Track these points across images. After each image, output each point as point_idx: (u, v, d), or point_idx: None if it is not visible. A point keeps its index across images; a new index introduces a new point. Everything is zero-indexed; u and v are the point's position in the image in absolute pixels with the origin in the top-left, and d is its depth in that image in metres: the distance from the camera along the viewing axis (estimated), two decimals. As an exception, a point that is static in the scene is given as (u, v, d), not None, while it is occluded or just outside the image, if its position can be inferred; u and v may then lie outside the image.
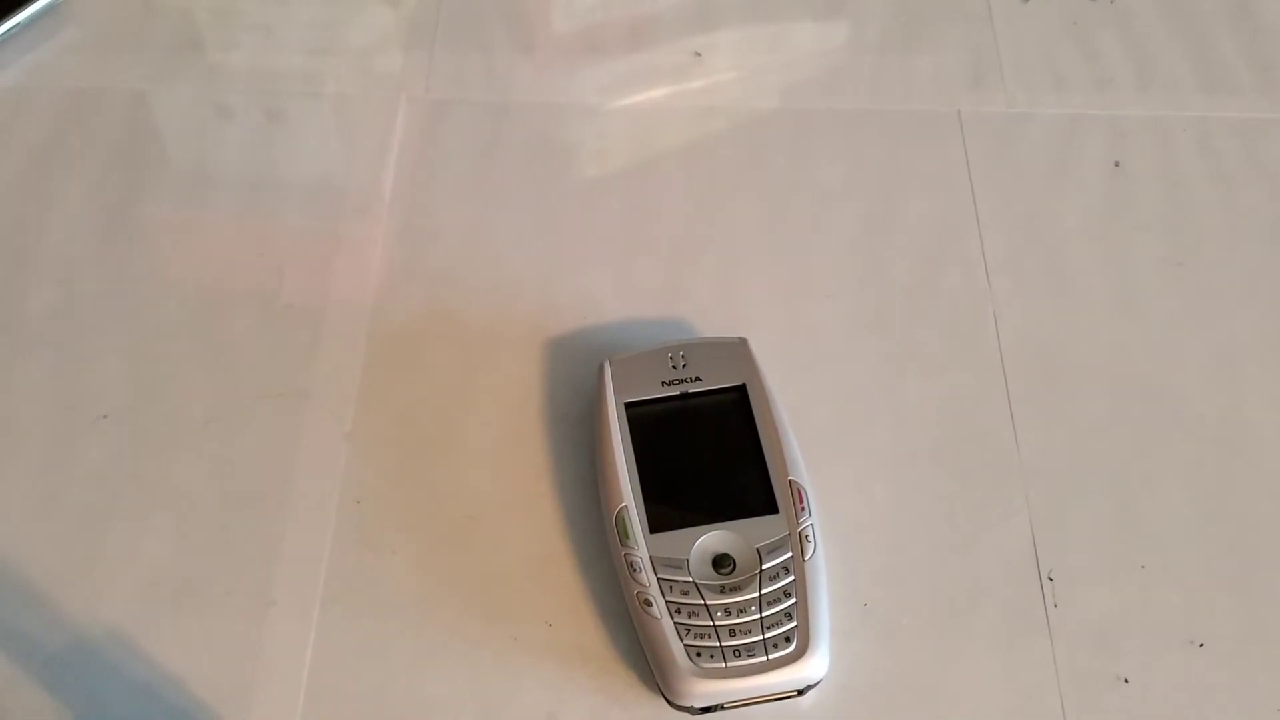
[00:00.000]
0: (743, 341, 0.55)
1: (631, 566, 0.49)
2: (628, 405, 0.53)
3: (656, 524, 0.50)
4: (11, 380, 0.58)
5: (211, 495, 0.55)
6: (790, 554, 0.49)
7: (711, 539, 0.49)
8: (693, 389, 0.53)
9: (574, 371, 0.58)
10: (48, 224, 0.63)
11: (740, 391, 0.53)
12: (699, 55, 0.71)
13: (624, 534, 0.49)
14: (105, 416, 0.57)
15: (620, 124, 0.68)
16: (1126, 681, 0.51)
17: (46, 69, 0.69)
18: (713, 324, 0.60)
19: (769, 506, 0.50)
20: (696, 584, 0.48)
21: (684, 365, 0.54)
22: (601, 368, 0.54)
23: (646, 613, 0.48)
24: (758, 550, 0.49)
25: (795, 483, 0.51)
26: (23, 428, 0.57)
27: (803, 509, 0.50)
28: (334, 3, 0.73)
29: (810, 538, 0.49)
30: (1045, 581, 0.53)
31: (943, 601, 0.53)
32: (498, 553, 0.54)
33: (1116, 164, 0.66)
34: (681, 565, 0.49)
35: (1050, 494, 0.56)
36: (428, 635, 0.52)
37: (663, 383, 0.53)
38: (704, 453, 0.52)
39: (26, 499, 0.55)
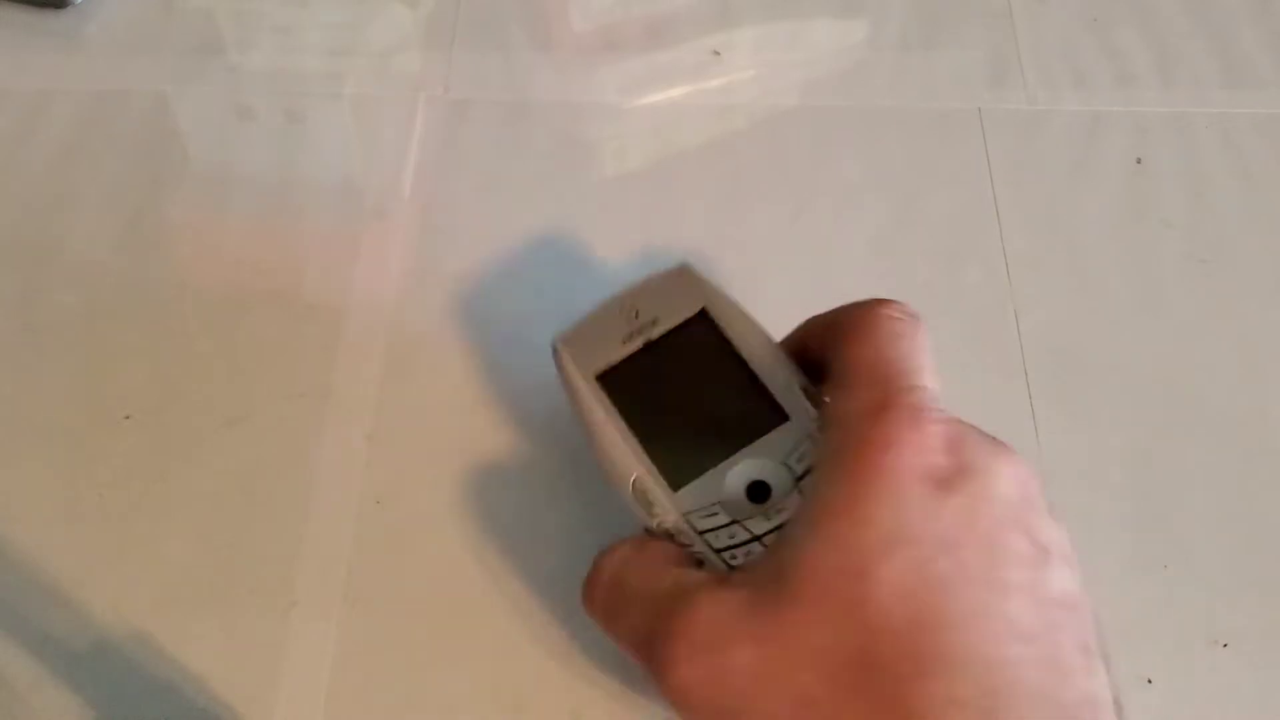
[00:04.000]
0: (685, 267, 0.50)
1: (668, 534, 0.45)
2: (598, 377, 0.48)
3: (676, 480, 0.45)
4: (34, 382, 0.59)
5: (233, 495, 0.55)
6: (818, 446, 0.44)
7: (737, 473, 0.45)
8: (655, 334, 0.48)
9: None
10: (69, 226, 0.64)
11: (704, 317, 0.48)
12: (718, 54, 0.70)
13: (647, 504, 0.45)
14: (128, 418, 0.58)
15: (639, 123, 0.68)
16: (1150, 682, 0.51)
17: (67, 71, 0.70)
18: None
19: (778, 415, 0.46)
20: (741, 523, 0.44)
21: (636, 314, 0.49)
22: (555, 351, 0.49)
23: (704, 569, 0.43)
24: (786, 464, 0.44)
25: (793, 382, 0.46)
26: (46, 429, 0.57)
27: (806, 406, 0.45)
28: (353, 3, 0.73)
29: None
30: (1067, 581, 0.53)
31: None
32: (520, 552, 0.54)
33: (1138, 161, 0.66)
34: (717, 510, 0.44)
35: (1071, 492, 0.55)
36: (450, 634, 0.52)
37: (623, 340, 0.48)
38: (693, 391, 0.48)
39: (50, 500, 0.55)
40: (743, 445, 0.45)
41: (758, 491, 0.44)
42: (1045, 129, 0.67)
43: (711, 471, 0.45)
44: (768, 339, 0.47)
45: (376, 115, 0.68)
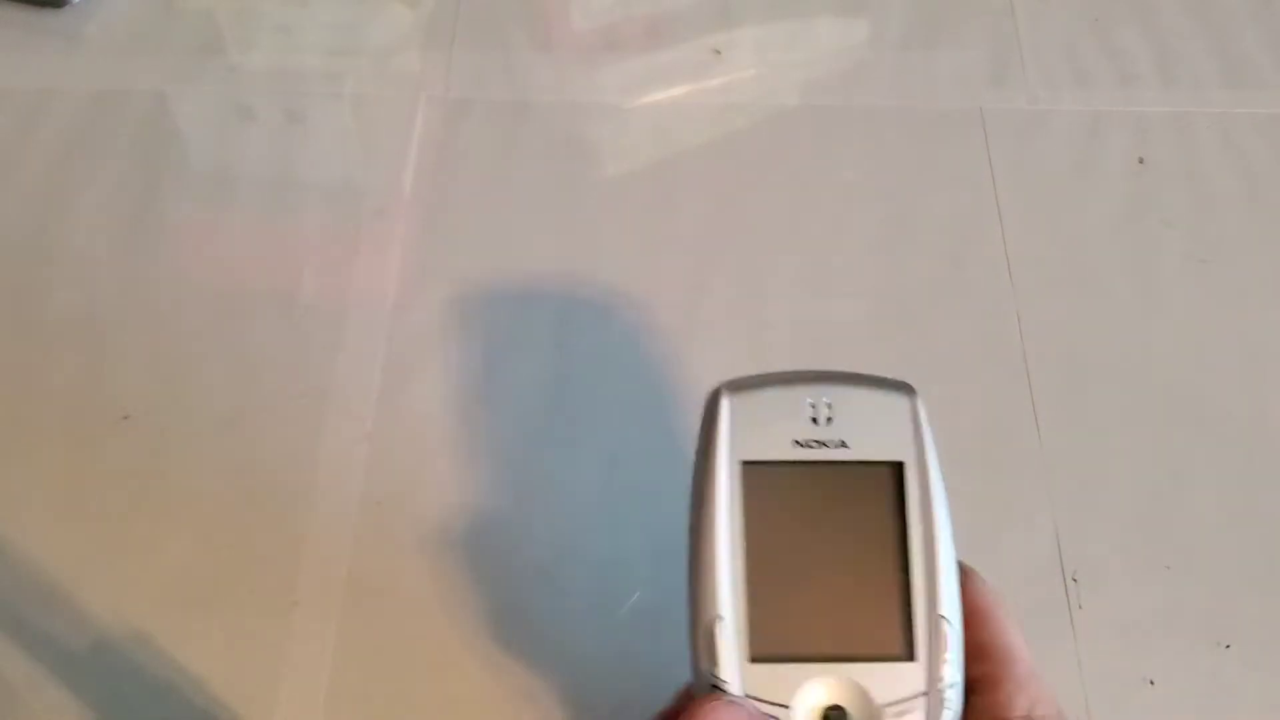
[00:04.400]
0: (910, 394, 0.39)
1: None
2: (746, 465, 0.38)
3: (760, 650, 0.36)
4: (34, 382, 0.59)
5: (233, 495, 0.55)
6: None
7: (824, 683, 0.36)
8: (834, 458, 0.38)
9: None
10: (69, 225, 0.64)
11: (896, 472, 0.38)
12: (719, 53, 0.70)
13: (712, 656, 0.36)
14: (127, 417, 0.57)
15: (640, 122, 0.68)
16: (1152, 683, 0.51)
17: (68, 71, 0.70)
18: (732, 322, 0.60)
19: (906, 650, 0.36)
20: None
21: (828, 421, 0.38)
22: (715, 401, 0.39)
23: None
24: (882, 709, 0.36)
25: (945, 621, 0.37)
26: (45, 429, 0.57)
27: (946, 659, 0.36)
28: (353, 3, 0.73)
29: (951, 704, 0.36)
30: (1070, 582, 0.53)
31: None
32: (520, 553, 0.54)
33: (1140, 160, 0.66)
34: (781, 713, 0.36)
35: (1074, 493, 0.55)
36: (449, 634, 0.52)
37: (795, 441, 0.38)
38: (837, 555, 0.38)
39: (49, 500, 0.55)
40: (849, 657, 0.37)
41: (837, 718, 0.37)
42: (1047, 128, 0.67)
43: (800, 665, 0.37)
44: (949, 547, 0.38)
45: (376, 115, 0.68)
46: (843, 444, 0.38)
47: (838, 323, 0.60)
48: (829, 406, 0.38)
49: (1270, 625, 0.52)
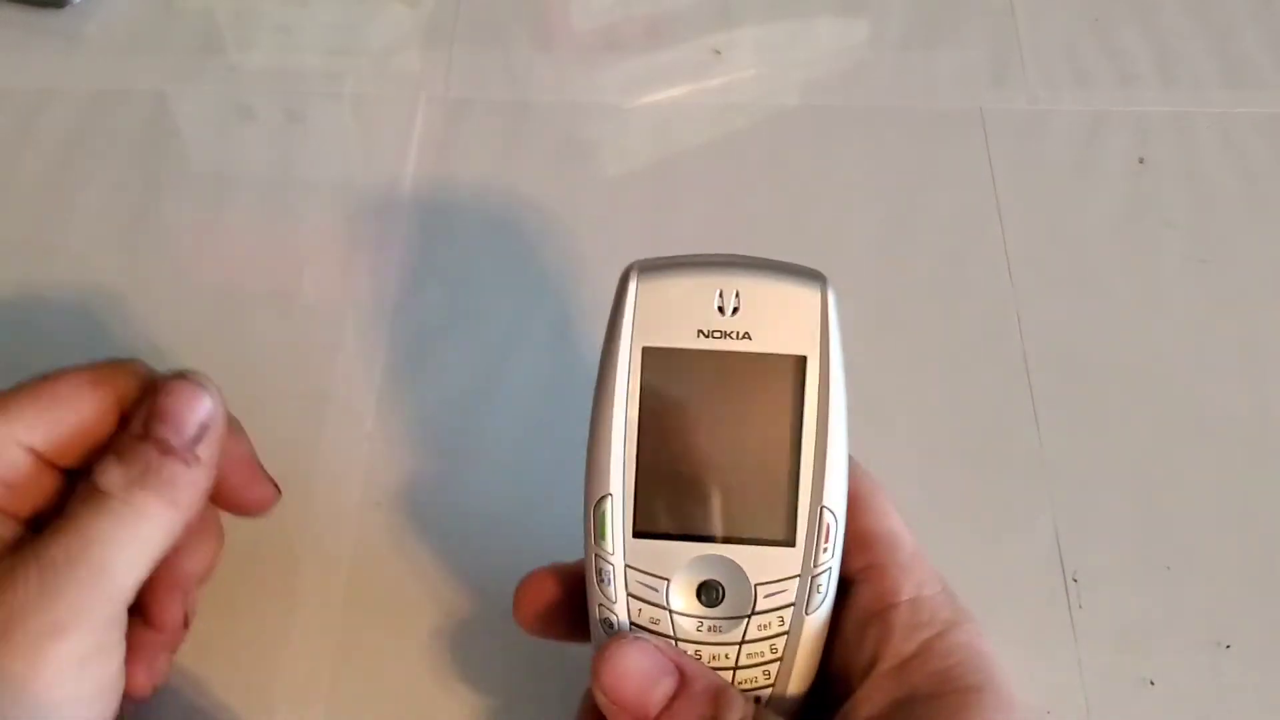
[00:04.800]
0: (820, 285, 0.39)
1: (600, 575, 0.39)
2: (648, 352, 0.39)
3: (643, 527, 0.39)
4: (34, 381, 0.58)
5: (233, 496, 0.55)
6: (793, 603, 0.38)
7: (704, 561, 0.39)
8: (738, 348, 0.38)
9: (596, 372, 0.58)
10: (68, 225, 0.64)
11: (798, 366, 0.38)
12: (719, 53, 0.70)
13: (600, 531, 0.39)
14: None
15: (640, 122, 0.68)
16: (1152, 684, 0.51)
17: (67, 71, 0.70)
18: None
19: (787, 535, 0.38)
20: (671, 614, 0.39)
21: (735, 311, 0.38)
22: (625, 280, 0.39)
23: (605, 634, 0.39)
24: (756, 587, 0.38)
25: (828, 511, 0.38)
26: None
27: (826, 548, 0.38)
28: (353, 3, 0.73)
29: (822, 588, 0.38)
30: (1070, 583, 0.53)
31: (964, 603, 0.53)
32: (521, 554, 0.54)
33: (1140, 160, 0.66)
34: (659, 586, 0.39)
35: (1074, 493, 0.55)
36: (451, 637, 0.52)
37: (700, 331, 0.38)
38: (728, 444, 0.39)
39: (49, 500, 0.55)
40: (731, 539, 0.39)
41: (710, 593, 0.39)
42: (1047, 128, 0.67)
43: (683, 543, 0.39)
44: (842, 441, 0.39)
45: (376, 115, 0.68)
46: (747, 335, 0.38)
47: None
48: (737, 296, 0.38)
49: (1271, 625, 0.52)
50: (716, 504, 0.39)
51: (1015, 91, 0.68)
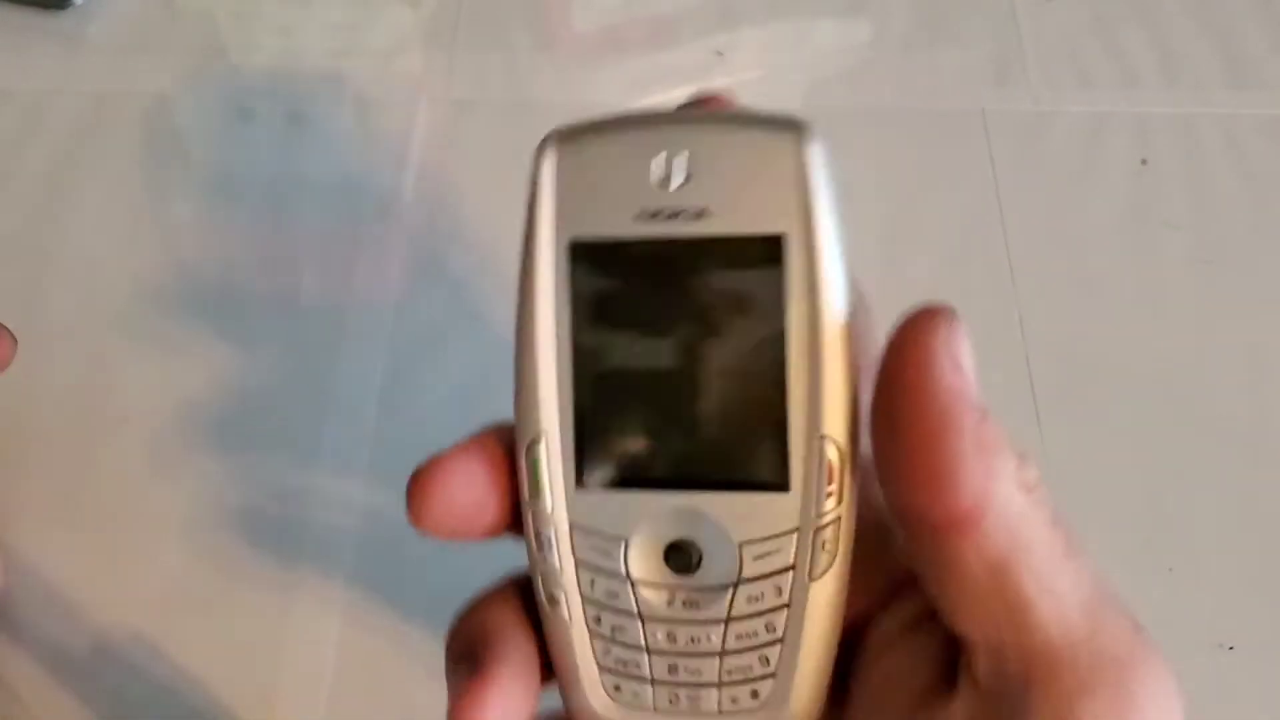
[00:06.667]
0: (798, 135, 0.27)
1: (539, 538, 0.30)
2: (575, 248, 0.30)
3: (588, 475, 0.29)
4: (33, 384, 0.58)
5: (232, 497, 0.55)
6: (792, 565, 0.28)
7: (672, 515, 0.29)
8: (692, 231, 0.28)
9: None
10: (70, 226, 0.64)
11: (775, 250, 0.27)
12: (721, 54, 0.70)
13: (534, 484, 0.29)
14: (126, 420, 0.57)
15: (641, 124, 0.68)
16: (1154, 685, 0.51)
17: (69, 72, 0.70)
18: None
19: (777, 477, 0.28)
20: (633, 582, 0.29)
21: (685, 181, 0.28)
22: (540, 155, 0.31)
23: (552, 612, 0.30)
24: (741, 547, 0.28)
25: (830, 442, 0.28)
26: (44, 431, 0.57)
27: (830, 491, 0.27)
28: (354, 4, 0.73)
29: (830, 545, 0.28)
30: (1072, 584, 0.53)
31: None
32: (522, 553, 0.54)
33: (1143, 162, 0.66)
34: (614, 549, 0.29)
35: (1076, 495, 0.55)
36: (449, 637, 0.52)
37: (639, 213, 0.28)
38: (692, 356, 0.28)
39: (49, 502, 0.55)
40: (705, 484, 0.29)
41: (682, 555, 0.29)
42: (1049, 130, 0.67)
43: (641, 493, 0.29)
44: (842, 355, 0.28)
45: (378, 116, 0.68)
46: (703, 212, 0.28)
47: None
48: (686, 161, 0.28)
49: (1274, 627, 0.52)
50: (681, 439, 0.29)
51: (1018, 92, 0.68)
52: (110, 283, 0.62)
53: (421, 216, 0.64)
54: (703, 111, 0.30)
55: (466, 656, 0.30)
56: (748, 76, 0.69)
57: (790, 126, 0.27)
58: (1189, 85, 0.68)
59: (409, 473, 0.57)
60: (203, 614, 0.53)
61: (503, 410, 0.60)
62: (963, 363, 0.26)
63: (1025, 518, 0.28)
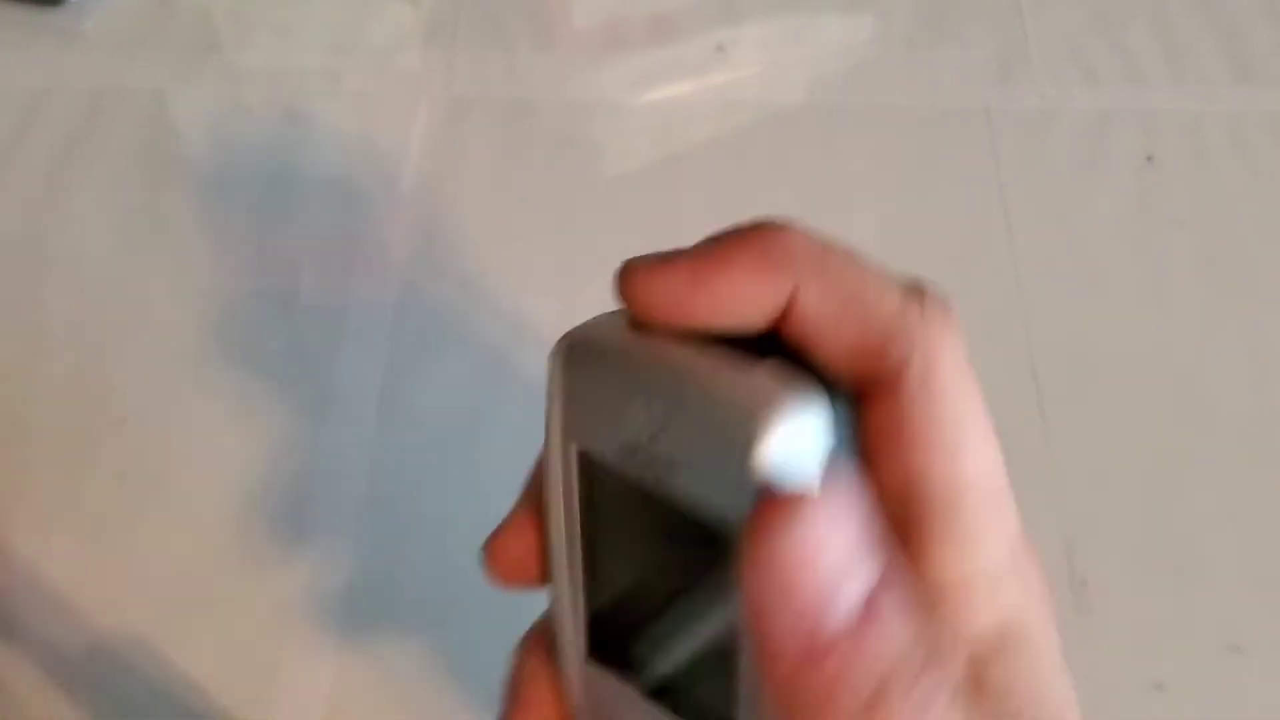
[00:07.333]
0: (756, 423, 0.23)
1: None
2: (584, 456, 0.28)
3: (602, 649, 0.28)
4: (30, 383, 0.58)
5: (232, 498, 0.55)
6: None
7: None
8: (661, 485, 0.25)
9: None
10: (67, 224, 0.63)
11: (723, 532, 0.23)
12: (722, 50, 0.70)
13: (559, 651, 0.30)
14: (124, 420, 0.57)
15: (643, 120, 0.68)
16: (1162, 687, 0.50)
17: (66, 69, 0.69)
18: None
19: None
20: None
21: (656, 435, 0.25)
22: (553, 358, 0.27)
23: None
24: None
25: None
26: (42, 431, 0.57)
27: None
28: (353, 1, 0.72)
29: None
30: (1078, 586, 0.52)
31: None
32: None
33: (1149, 159, 0.65)
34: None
35: (1083, 497, 0.55)
36: (452, 641, 0.52)
37: (624, 446, 0.26)
38: (674, 596, 0.27)
39: (46, 502, 0.55)
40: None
41: None
42: (1054, 127, 0.66)
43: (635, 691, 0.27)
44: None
45: (377, 113, 0.68)
46: (672, 465, 0.25)
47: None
48: (661, 420, 0.25)
49: (1282, 629, 0.52)
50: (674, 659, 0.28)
51: (1022, 89, 0.68)
52: (107, 281, 0.61)
53: (421, 215, 0.64)
54: (704, 350, 0.25)
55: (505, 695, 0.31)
56: (749, 73, 0.69)
57: (747, 410, 0.24)
58: (1195, 82, 0.68)
59: (409, 472, 0.57)
60: (202, 617, 0.52)
61: (502, 409, 0.60)
62: (825, 560, 0.22)
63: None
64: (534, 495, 0.30)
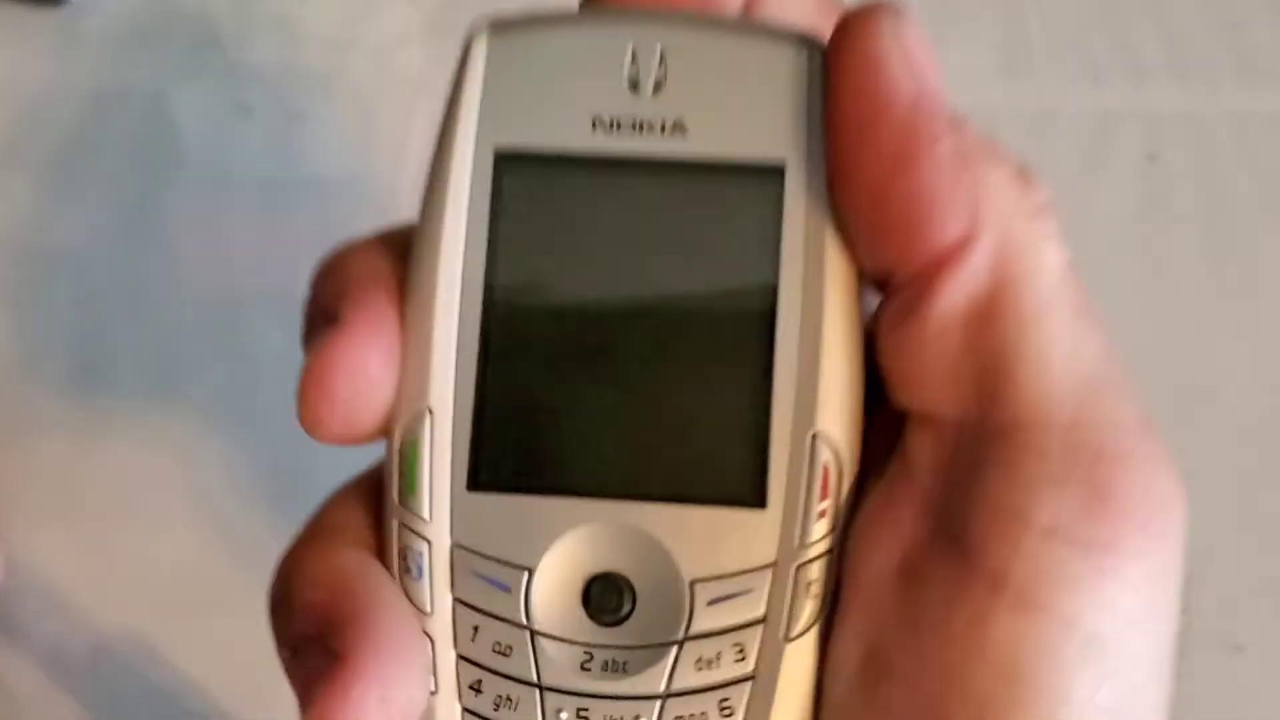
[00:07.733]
0: (805, 48, 0.21)
1: (405, 559, 0.21)
2: (503, 160, 0.22)
3: (488, 473, 0.21)
4: (30, 381, 0.58)
5: (232, 497, 0.55)
6: (762, 617, 0.20)
7: (597, 535, 0.20)
8: (661, 151, 0.21)
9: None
10: (68, 223, 0.63)
11: (769, 181, 0.21)
12: (723, 49, 0.70)
13: (408, 479, 0.22)
14: (126, 420, 0.57)
15: (643, 119, 0.68)
16: (1164, 688, 0.50)
17: (64, 68, 0.69)
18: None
19: (750, 488, 0.20)
20: (534, 632, 0.20)
21: (658, 86, 0.21)
22: (467, 51, 0.24)
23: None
24: (691, 587, 0.20)
25: (824, 443, 0.20)
26: (42, 429, 0.57)
27: (823, 512, 0.20)
28: (353, 1, 0.72)
29: (819, 586, 0.20)
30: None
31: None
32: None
33: (1151, 158, 0.65)
34: (512, 582, 0.20)
35: (1084, 495, 0.55)
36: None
37: (594, 121, 0.21)
38: (643, 320, 0.21)
39: (46, 501, 0.55)
40: (648, 497, 0.20)
41: (607, 596, 0.20)
42: (1056, 125, 0.66)
43: (558, 504, 0.21)
44: (848, 330, 0.21)
45: (377, 112, 0.68)
46: (678, 127, 0.21)
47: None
48: (661, 59, 0.21)
49: (1284, 629, 0.52)
50: (620, 429, 0.21)
51: (1024, 87, 0.68)
52: (107, 280, 0.61)
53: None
54: (686, 12, 0.21)
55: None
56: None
57: (799, 41, 0.21)
58: (1198, 80, 0.68)
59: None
60: (201, 615, 0.52)
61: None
62: (919, 63, 0.21)
63: (1026, 247, 0.21)
64: (386, 281, 0.22)
